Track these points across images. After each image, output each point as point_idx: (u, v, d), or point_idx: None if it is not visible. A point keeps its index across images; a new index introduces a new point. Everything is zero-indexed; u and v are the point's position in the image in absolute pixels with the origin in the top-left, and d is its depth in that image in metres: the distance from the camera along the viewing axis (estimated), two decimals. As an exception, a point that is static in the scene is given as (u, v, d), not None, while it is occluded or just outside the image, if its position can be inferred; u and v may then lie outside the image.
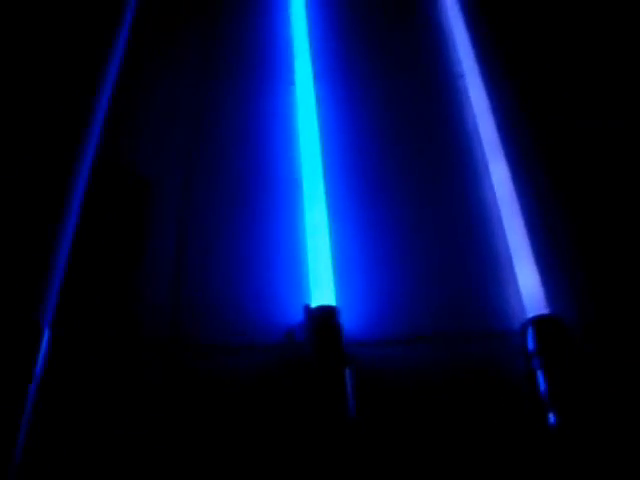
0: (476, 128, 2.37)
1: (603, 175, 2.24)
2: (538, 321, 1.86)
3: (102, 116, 2.28)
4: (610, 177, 2.23)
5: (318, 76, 2.51)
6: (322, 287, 1.98)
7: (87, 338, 1.90)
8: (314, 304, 1.93)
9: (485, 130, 2.35)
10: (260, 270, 2.08)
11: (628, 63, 2.53)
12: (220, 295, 2.03)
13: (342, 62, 2.60)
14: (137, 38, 2.58)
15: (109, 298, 1.99)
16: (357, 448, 1.69)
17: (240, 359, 1.91)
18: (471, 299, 2.01)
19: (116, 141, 2.28)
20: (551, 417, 1.73)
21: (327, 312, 1.91)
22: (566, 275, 2.02)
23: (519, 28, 2.67)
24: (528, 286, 1.96)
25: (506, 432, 1.77)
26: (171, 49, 2.60)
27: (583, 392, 1.74)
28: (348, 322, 1.92)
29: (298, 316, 1.94)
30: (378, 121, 2.42)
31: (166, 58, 2.59)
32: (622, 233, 2.11)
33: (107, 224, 2.09)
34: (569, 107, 2.43)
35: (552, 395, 1.75)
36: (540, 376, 1.78)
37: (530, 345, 1.84)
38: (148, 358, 1.90)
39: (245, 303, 2.02)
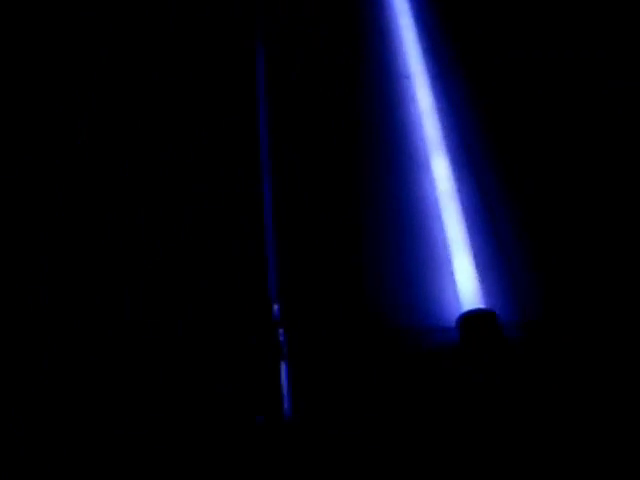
0: (420, 126, 2.42)
1: (544, 172, 2.28)
2: (470, 317, 1.89)
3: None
4: (552, 174, 2.27)
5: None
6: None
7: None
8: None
9: (428, 127, 2.41)
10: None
11: (572, 59, 2.58)
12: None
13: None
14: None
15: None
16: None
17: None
18: (409, 295, 2.04)
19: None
20: (477, 413, 1.76)
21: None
22: (505, 271, 2.06)
23: (464, 28, 2.74)
24: (464, 281, 1.99)
25: (438, 428, 1.78)
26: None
27: (510, 390, 1.78)
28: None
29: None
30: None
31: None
32: (563, 230, 2.14)
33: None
34: (511, 103, 2.49)
35: (479, 392, 1.78)
36: (470, 372, 1.82)
37: (462, 340, 1.87)
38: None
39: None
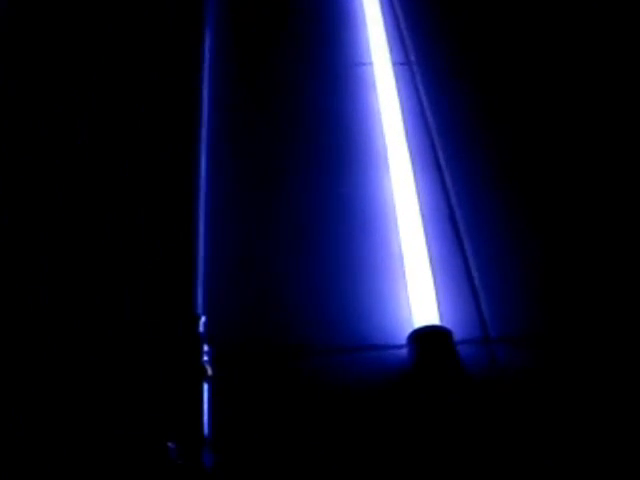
0: (380, 120, 2.15)
1: (517, 172, 2.04)
2: (421, 334, 1.61)
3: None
4: (526, 174, 2.03)
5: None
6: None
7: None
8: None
9: (388, 120, 2.15)
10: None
11: (545, 50, 2.38)
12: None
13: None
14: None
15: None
16: None
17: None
18: (355, 308, 1.75)
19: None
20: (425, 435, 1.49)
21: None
22: (467, 285, 1.79)
23: (432, 14, 2.52)
24: (419, 295, 1.71)
25: (388, 447, 1.50)
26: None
27: (461, 411, 1.51)
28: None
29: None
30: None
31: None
32: (537, 239, 1.89)
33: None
34: (486, 97, 2.26)
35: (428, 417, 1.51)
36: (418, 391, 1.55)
37: (411, 358, 1.61)
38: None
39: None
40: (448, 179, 2.03)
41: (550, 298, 1.77)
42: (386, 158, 2.06)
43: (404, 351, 1.66)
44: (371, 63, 2.34)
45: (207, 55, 2.36)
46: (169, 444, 1.46)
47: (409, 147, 2.07)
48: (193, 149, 2.06)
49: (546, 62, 2.35)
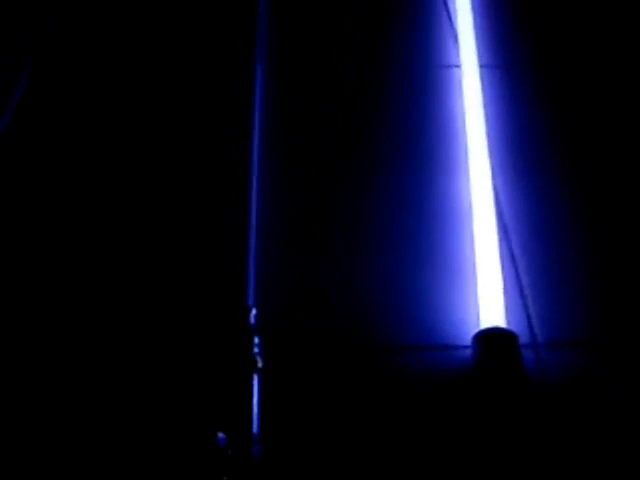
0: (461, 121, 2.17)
1: (602, 180, 2.04)
2: (486, 336, 1.65)
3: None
4: (610, 182, 2.03)
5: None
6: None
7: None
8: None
9: (469, 122, 2.16)
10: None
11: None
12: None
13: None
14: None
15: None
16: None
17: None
18: (419, 307, 1.79)
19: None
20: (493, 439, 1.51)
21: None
22: (533, 289, 1.80)
23: (520, 18, 2.52)
24: (487, 296, 1.74)
25: (453, 449, 1.53)
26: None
27: (524, 417, 1.52)
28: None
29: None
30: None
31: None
32: (606, 245, 1.89)
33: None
34: (565, 102, 2.25)
35: (492, 421, 1.53)
36: (483, 395, 1.57)
37: (477, 360, 1.64)
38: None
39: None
40: (525, 187, 2.05)
41: (599, 302, 1.78)
42: (467, 162, 2.08)
43: (468, 352, 1.69)
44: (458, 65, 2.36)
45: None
46: (219, 434, 1.52)
47: (490, 152, 2.09)
48: (246, 141, 2.13)
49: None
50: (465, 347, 1.71)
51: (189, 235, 1.95)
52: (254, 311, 1.72)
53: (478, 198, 1.99)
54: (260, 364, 1.63)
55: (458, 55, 2.38)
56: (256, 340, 1.65)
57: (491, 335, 1.66)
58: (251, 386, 1.58)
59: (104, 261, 1.90)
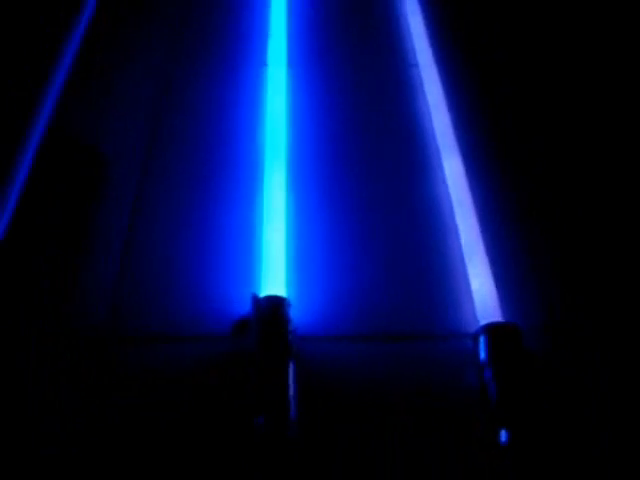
0: (430, 120, 2.27)
1: (563, 173, 2.16)
2: (491, 329, 1.74)
3: (58, 90, 2.13)
4: (571, 176, 2.15)
5: (291, 61, 2.42)
6: (274, 278, 1.85)
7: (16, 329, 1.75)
8: (263, 294, 1.79)
9: (439, 123, 2.26)
10: (212, 258, 1.95)
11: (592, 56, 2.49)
12: (167, 283, 1.91)
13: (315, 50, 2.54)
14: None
15: (45, 284, 1.85)
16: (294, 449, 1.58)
17: (185, 349, 1.78)
18: (421, 300, 1.90)
19: (72, 116, 2.14)
20: (502, 434, 1.60)
21: (274, 302, 1.78)
22: (523, 280, 1.92)
23: (479, 17, 2.64)
24: (481, 290, 1.86)
25: (453, 439, 1.65)
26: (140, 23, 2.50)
27: (536, 408, 1.63)
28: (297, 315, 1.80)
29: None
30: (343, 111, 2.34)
31: (132, 32, 2.47)
32: (586, 237, 2.01)
33: (52, 201, 1.95)
34: (529, 100, 2.36)
35: (503, 410, 1.63)
36: (491, 389, 1.66)
37: (482, 355, 1.72)
38: (83, 351, 1.75)
39: (193, 292, 1.89)
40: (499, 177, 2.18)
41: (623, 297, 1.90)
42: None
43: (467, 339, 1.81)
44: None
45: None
46: (257, 419, 1.59)
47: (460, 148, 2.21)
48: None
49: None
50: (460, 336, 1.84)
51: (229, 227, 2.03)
52: (288, 301, 1.79)
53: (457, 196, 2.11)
54: (295, 351, 1.70)
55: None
56: (290, 329, 1.74)
57: (495, 327, 1.78)
58: (287, 372, 1.65)
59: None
